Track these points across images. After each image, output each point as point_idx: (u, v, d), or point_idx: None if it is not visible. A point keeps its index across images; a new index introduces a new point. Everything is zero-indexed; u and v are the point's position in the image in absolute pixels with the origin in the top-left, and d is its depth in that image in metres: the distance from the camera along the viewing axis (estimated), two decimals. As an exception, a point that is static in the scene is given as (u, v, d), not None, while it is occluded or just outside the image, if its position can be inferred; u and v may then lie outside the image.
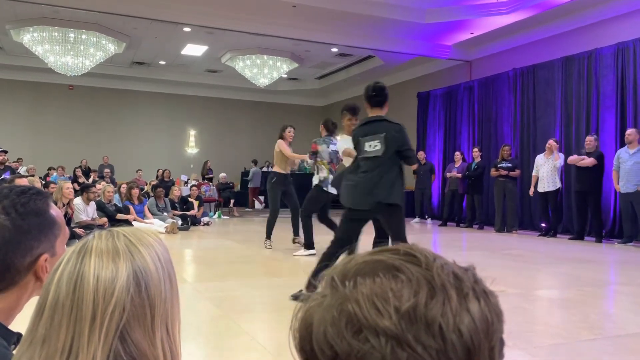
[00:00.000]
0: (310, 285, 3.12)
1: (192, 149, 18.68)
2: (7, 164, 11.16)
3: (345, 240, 3.93)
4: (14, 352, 0.75)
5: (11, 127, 16.11)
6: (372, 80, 4.33)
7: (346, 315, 0.44)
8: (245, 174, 16.39)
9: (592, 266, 5.90)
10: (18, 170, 11.50)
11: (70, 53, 12.51)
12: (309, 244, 6.15)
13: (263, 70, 14.31)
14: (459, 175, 11.05)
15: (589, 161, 8.31)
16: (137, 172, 14.41)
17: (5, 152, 11.19)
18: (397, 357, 0.42)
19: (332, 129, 6.40)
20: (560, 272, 5.41)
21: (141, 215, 9.41)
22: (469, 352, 0.43)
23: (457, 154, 11.45)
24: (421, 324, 0.43)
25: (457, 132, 12.68)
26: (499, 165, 10.01)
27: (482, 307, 0.46)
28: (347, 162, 5.37)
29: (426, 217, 12.21)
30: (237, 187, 16.13)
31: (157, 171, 14.69)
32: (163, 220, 9.44)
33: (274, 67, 14.28)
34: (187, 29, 12.11)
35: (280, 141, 6.77)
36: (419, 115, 13.87)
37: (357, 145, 4.00)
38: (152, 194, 10.39)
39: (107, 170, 14.30)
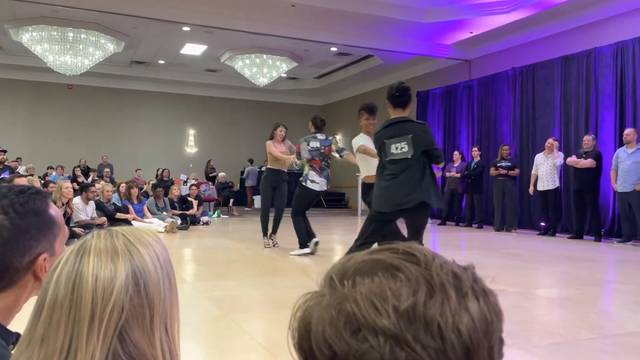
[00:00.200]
0: None
1: (191, 148, 18.68)
2: (6, 163, 11.15)
3: (372, 240, 3.96)
4: (12, 352, 0.74)
5: (10, 127, 16.10)
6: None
7: (345, 315, 0.44)
8: (244, 173, 16.43)
9: (591, 265, 5.90)
10: (17, 170, 11.49)
11: (69, 52, 12.51)
12: (302, 243, 6.15)
13: (262, 70, 14.31)
14: (458, 175, 11.05)
15: (587, 163, 8.32)
16: (136, 171, 14.41)
17: (5, 151, 11.18)
18: (396, 357, 0.42)
19: (320, 126, 6.37)
20: (559, 271, 5.42)
21: (140, 214, 9.41)
22: (468, 352, 0.43)
23: (456, 154, 11.45)
24: (420, 323, 0.43)
25: (457, 132, 12.68)
26: (498, 165, 10.02)
27: (481, 306, 0.46)
28: (360, 158, 5.34)
29: (425, 216, 12.19)
30: (237, 187, 16.13)
31: (157, 170, 14.68)
32: (162, 219, 9.43)
33: (273, 66, 14.28)
34: (186, 29, 12.10)
35: (268, 142, 6.77)
36: (418, 115, 13.86)
37: (382, 148, 3.94)
38: (151, 194, 10.38)
39: (106, 169, 14.30)
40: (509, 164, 9.93)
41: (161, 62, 15.68)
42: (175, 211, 10.25)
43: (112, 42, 12.86)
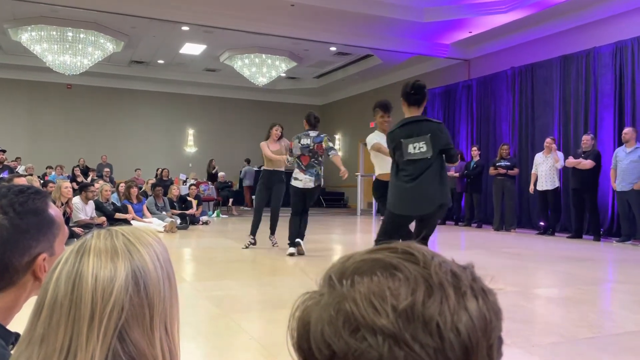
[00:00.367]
0: None
1: (190, 148, 18.67)
2: (5, 163, 11.15)
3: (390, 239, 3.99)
4: (12, 351, 0.75)
5: (9, 127, 16.09)
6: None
7: (343, 314, 0.44)
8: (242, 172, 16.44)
9: (591, 264, 5.91)
10: (16, 170, 11.48)
11: (68, 52, 12.50)
12: (290, 242, 6.12)
13: (261, 69, 14.30)
14: (457, 174, 11.05)
15: (588, 164, 8.33)
16: (135, 171, 14.40)
17: (4, 151, 11.18)
18: (395, 356, 0.42)
19: (313, 123, 6.35)
20: (558, 271, 5.42)
21: (140, 214, 9.41)
22: (467, 351, 0.43)
23: (456, 153, 11.45)
24: (418, 322, 0.43)
25: (456, 131, 12.68)
26: (497, 164, 10.02)
27: (480, 305, 0.46)
28: (374, 156, 5.29)
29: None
30: (236, 186, 16.14)
31: (156, 170, 14.68)
32: (162, 219, 9.43)
33: (273, 66, 14.27)
34: (185, 28, 12.09)
35: (262, 144, 6.77)
36: (417, 114, 13.85)
37: (398, 147, 3.86)
38: (150, 193, 10.38)
39: (106, 169, 14.29)
40: (508, 163, 9.93)
41: (160, 61, 15.67)
42: (175, 211, 10.25)
43: (112, 41, 12.85)
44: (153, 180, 12.01)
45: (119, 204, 9.18)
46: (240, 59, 14.13)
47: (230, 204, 14.03)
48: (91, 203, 8.01)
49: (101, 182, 10.22)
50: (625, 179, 7.83)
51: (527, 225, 10.25)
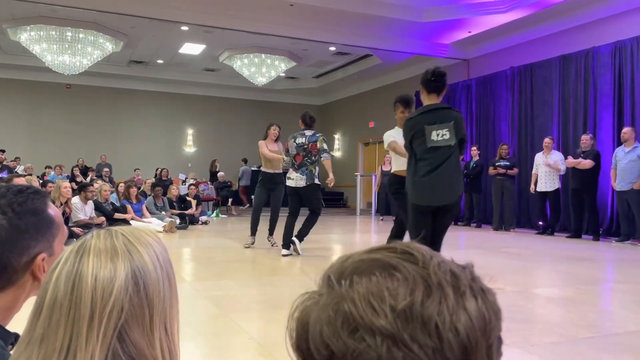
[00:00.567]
0: None
1: (190, 147, 18.66)
2: (4, 163, 11.15)
3: (416, 233, 3.94)
4: (11, 352, 0.74)
5: (9, 126, 16.07)
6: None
7: (342, 315, 0.44)
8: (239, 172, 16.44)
9: (590, 264, 5.91)
10: (15, 169, 11.48)
11: (67, 52, 12.48)
12: (284, 244, 6.08)
13: (261, 69, 14.29)
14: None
15: (588, 164, 8.33)
16: (134, 171, 14.39)
17: (3, 151, 11.19)
18: (393, 356, 0.42)
19: (309, 123, 6.32)
20: (558, 270, 5.42)
21: (139, 214, 9.40)
22: (466, 351, 0.43)
23: (455, 153, 11.46)
24: (417, 322, 0.43)
25: (455, 131, 12.67)
26: (497, 164, 10.03)
27: (479, 305, 0.45)
28: (392, 156, 5.24)
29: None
30: (235, 186, 16.14)
31: (156, 170, 14.67)
32: (161, 219, 9.43)
33: (272, 65, 14.26)
34: (184, 28, 12.08)
35: (260, 142, 6.74)
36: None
37: (420, 133, 3.77)
38: (149, 193, 10.37)
39: (105, 169, 14.29)
40: (507, 163, 9.94)
41: (160, 61, 15.66)
42: (174, 211, 10.24)
43: (111, 41, 12.84)
44: (151, 180, 12.01)
45: (118, 204, 9.18)
46: (239, 59, 14.12)
47: (229, 203, 14.02)
48: (90, 203, 8.01)
49: (100, 182, 10.21)
50: (624, 178, 7.83)
51: (527, 225, 10.25)
